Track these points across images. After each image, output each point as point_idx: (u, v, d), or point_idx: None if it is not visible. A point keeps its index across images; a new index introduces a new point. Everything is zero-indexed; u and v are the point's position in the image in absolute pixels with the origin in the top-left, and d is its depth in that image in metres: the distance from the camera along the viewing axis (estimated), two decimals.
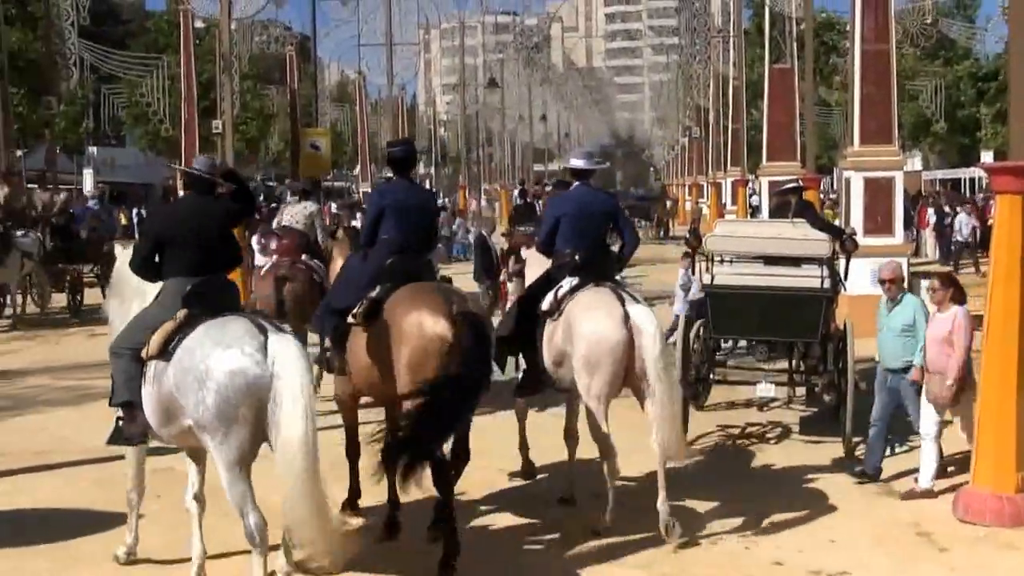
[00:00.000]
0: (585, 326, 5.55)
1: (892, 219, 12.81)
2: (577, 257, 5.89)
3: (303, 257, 8.52)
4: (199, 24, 26.00)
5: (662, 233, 31.57)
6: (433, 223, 5.89)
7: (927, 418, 6.27)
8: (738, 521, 5.89)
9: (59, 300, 14.83)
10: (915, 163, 36.37)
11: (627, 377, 5.53)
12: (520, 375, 6.26)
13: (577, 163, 6.38)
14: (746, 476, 6.72)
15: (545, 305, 5.86)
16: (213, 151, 26.95)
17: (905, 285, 6.78)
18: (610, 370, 5.47)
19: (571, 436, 6.25)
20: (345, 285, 5.61)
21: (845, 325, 7.49)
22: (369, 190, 27.84)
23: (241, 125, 28.15)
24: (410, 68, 33.16)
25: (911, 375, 6.36)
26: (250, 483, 4.42)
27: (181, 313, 4.57)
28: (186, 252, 4.73)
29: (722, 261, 7.77)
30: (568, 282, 5.84)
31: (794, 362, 8.16)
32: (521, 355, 6.18)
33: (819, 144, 25.82)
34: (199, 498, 5.07)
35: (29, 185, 21.58)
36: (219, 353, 4.32)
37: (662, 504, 5.46)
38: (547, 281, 6.01)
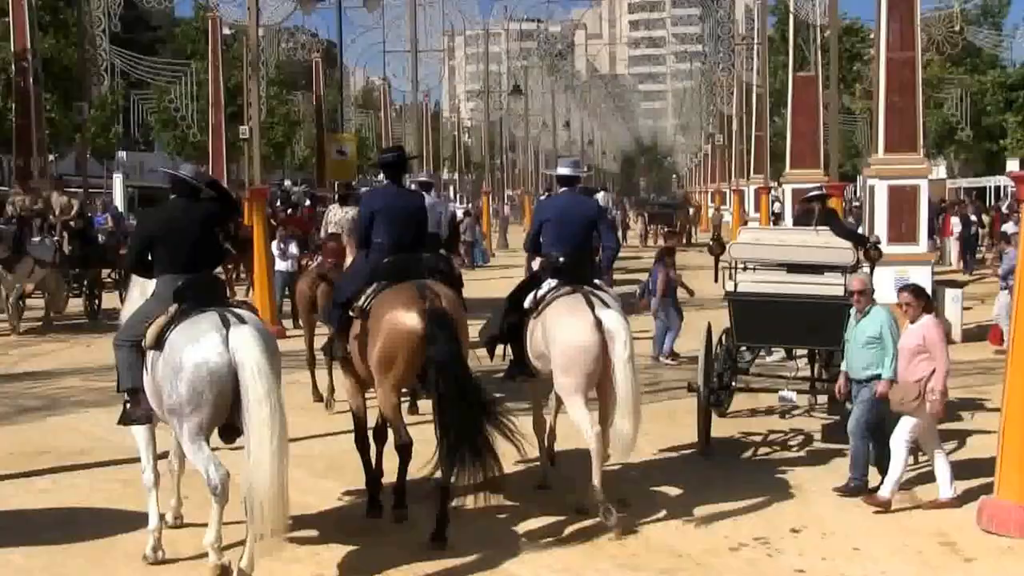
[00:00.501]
0: (561, 333, 5.96)
1: (916, 227, 12.77)
2: (561, 259, 6.28)
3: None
4: (227, 31, 26.35)
5: (684, 240, 31.52)
6: (421, 224, 6.29)
7: (901, 428, 6.22)
8: (760, 529, 5.91)
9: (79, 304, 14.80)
10: (939, 171, 36.06)
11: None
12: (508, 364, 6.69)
13: (563, 171, 6.81)
14: (768, 483, 6.73)
15: (527, 303, 6.33)
16: (240, 156, 27.30)
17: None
18: (586, 371, 5.90)
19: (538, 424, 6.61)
20: (348, 281, 6.22)
21: None
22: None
23: (268, 130, 28.45)
24: (435, 74, 33.40)
25: (878, 388, 6.32)
26: (208, 446, 5.00)
27: (172, 308, 5.07)
28: (172, 250, 5.24)
29: (745, 268, 7.80)
30: (547, 284, 6.25)
31: (816, 369, 8.17)
32: (509, 346, 6.60)
33: (842, 152, 25.69)
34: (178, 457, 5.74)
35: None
36: (189, 347, 4.89)
37: (598, 490, 5.85)
38: (532, 281, 6.49)
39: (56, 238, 14.21)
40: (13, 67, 19.90)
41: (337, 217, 9.73)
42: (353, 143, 23.51)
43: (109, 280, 14.98)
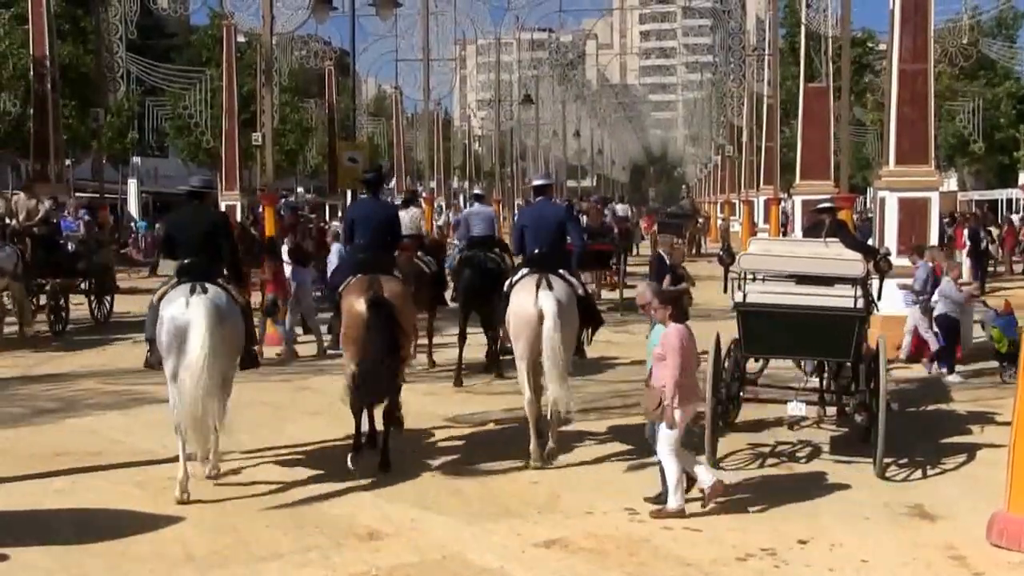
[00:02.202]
0: (512, 308, 7.46)
1: (927, 240, 12.75)
2: (537, 251, 7.70)
3: (418, 254, 10.84)
4: (241, 38, 26.55)
5: (694, 250, 31.51)
6: (390, 230, 7.81)
7: (661, 437, 6.23)
8: (768, 540, 5.94)
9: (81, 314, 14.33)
10: (950, 183, 35.99)
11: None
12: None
13: (537, 182, 8.56)
14: (775, 495, 6.76)
15: (506, 290, 7.76)
16: (253, 162, 27.47)
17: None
18: (525, 338, 7.30)
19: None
20: (338, 271, 8.19)
21: (878, 345, 7.51)
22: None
23: (280, 137, 28.61)
24: (446, 83, 33.48)
25: None
26: None
27: (173, 280, 6.78)
28: (182, 244, 6.91)
29: (754, 279, 7.84)
30: (520, 273, 7.68)
31: (825, 381, 8.20)
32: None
33: (852, 163, 25.68)
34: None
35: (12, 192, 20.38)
36: (166, 306, 6.60)
37: (553, 442, 7.45)
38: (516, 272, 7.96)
39: (20, 246, 12.93)
40: (32, 74, 20.12)
41: (405, 219, 11.13)
42: (365, 151, 23.62)
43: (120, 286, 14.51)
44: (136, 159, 32.54)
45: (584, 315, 7.68)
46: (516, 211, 37.98)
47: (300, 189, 40.17)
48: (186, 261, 6.74)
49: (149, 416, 8.79)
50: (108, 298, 14.83)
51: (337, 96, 30.03)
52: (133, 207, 26.93)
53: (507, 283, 7.80)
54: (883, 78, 19.87)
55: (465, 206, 50.16)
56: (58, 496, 6.60)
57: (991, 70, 35.16)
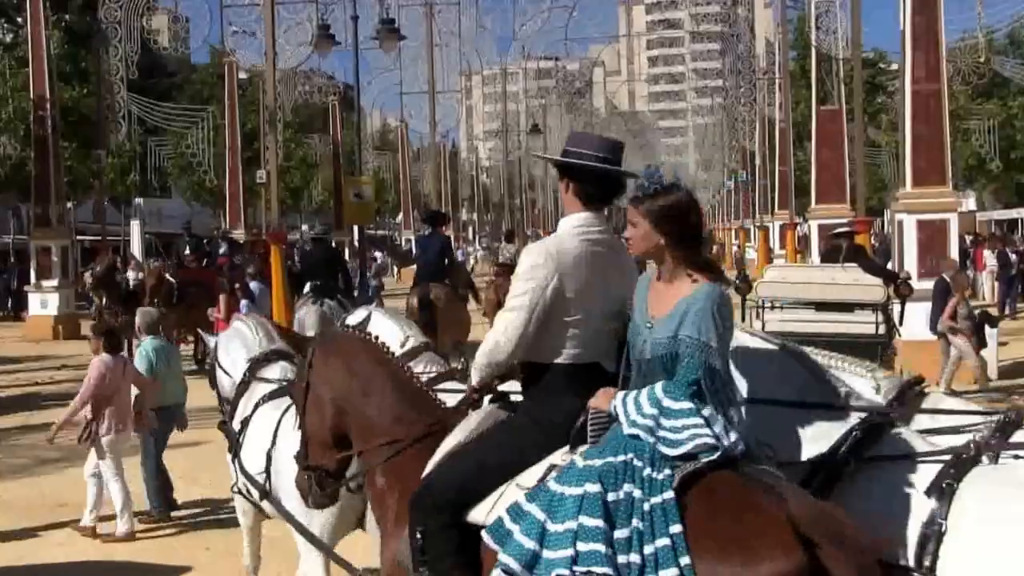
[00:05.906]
0: None
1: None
2: None
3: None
4: (243, 75, 26.49)
5: None
6: (443, 253, 11.48)
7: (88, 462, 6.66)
8: None
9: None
10: (969, 203, 35.48)
11: None
12: None
13: None
14: None
15: None
16: (257, 200, 27.33)
17: None
18: None
19: None
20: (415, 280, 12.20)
21: (900, 372, 7.09)
22: (411, 236, 29.10)
23: (284, 174, 28.47)
24: (452, 115, 33.55)
25: None
26: None
27: (308, 294, 10.97)
28: (311, 269, 11.37)
29: (772, 307, 7.52)
30: None
31: None
32: None
33: (868, 185, 25.27)
34: None
35: None
36: (299, 310, 10.90)
37: None
38: None
39: None
40: (32, 116, 20.05)
41: (507, 252, 14.63)
42: (371, 186, 23.29)
43: None
44: (139, 200, 32.39)
45: None
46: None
47: (305, 226, 40.04)
48: (315, 283, 10.65)
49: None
50: None
51: (342, 131, 29.93)
52: (136, 249, 26.64)
53: None
54: (896, 99, 19.50)
55: (473, 239, 50.27)
56: (60, 549, 6.44)
57: (1004, 87, 34.74)
